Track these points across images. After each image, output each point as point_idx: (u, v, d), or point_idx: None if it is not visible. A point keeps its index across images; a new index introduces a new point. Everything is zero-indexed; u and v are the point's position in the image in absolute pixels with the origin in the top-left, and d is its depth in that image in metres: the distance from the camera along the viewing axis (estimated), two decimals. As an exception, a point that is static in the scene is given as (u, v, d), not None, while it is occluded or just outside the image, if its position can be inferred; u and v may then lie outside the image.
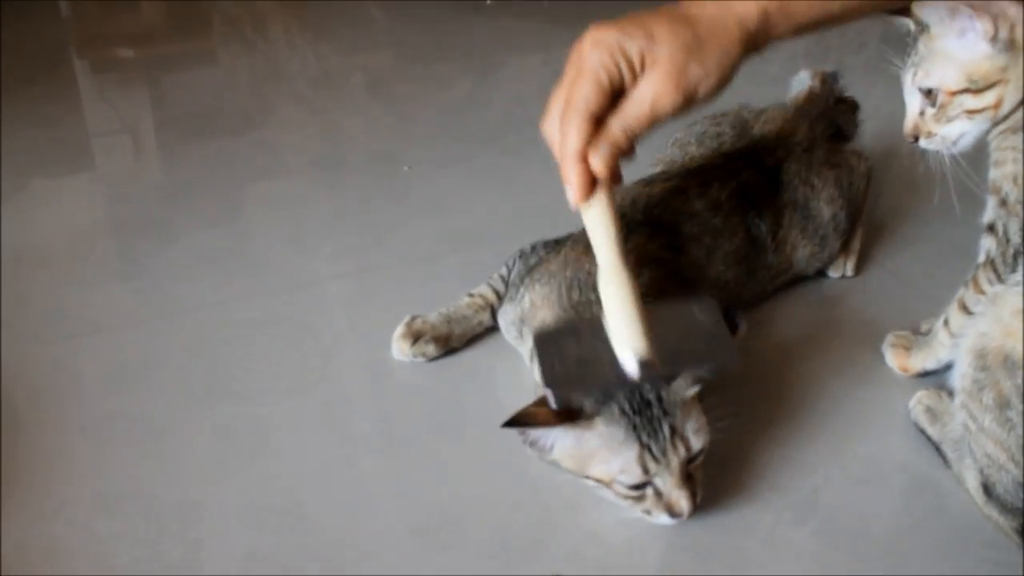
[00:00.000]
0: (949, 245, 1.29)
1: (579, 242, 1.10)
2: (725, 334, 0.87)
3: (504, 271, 1.20)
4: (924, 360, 1.12)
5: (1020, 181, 0.94)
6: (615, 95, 0.81)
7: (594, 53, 0.80)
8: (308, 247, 1.40)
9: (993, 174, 0.97)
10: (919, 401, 1.06)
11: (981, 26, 0.91)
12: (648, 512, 0.90)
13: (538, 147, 1.80)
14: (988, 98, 0.94)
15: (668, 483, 0.88)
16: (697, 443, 0.89)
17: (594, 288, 0.92)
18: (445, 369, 1.14)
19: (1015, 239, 0.95)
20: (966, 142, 0.98)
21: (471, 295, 1.19)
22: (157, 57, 2.33)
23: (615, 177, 0.82)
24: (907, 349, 1.14)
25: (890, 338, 1.17)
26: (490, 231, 1.43)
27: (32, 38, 2.33)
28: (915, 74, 0.97)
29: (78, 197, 1.62)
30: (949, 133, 0.97)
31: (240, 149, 1.75)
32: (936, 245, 1.36)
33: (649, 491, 0.89)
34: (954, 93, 0.95)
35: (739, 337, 0.91)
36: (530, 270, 1.13)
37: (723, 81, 0.82)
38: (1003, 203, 0.96)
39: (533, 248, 1.18)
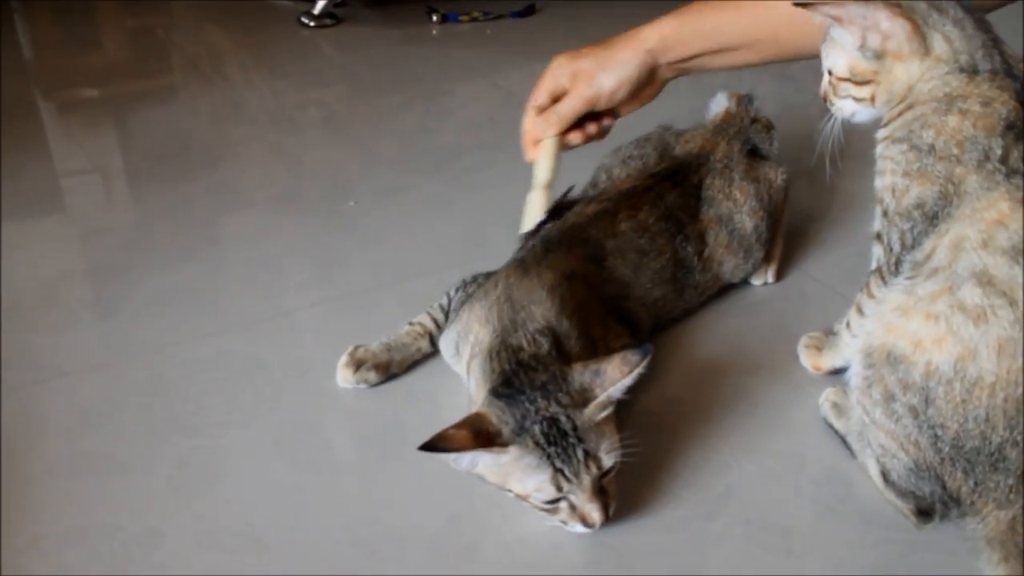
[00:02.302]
0: (868, 248, 1.38)
1: (510, 267, 1.19)
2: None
3: (444, 300, 1.27)
4: (833, 359, 1.20)
5: (896, 192, 1.00)
6: (559, 95, 1.24)
7: (547, 70, 1.25)
8: (261, 284, 1.46)
9: (876, 184, 1.04)
10: (827, 398, 1.14)
11: (849, 36, 0.99)
12: (564, 522, 0.97)
13: (481, 174, 1.90)
14: (864, 92, 1.02)
15: (581, 498, 0.95)
16: (609, 461, 0.96)
17: (521, 308, 1.08)
18: (386, 394, 1.20)
19: (896, 247, 1.01)
20: (859, 119, 1.05)
21: (411, 324, 1.25)
22: (121, 95, 2.37)
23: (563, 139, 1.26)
24: (819, 349, 1.22)
25: (804, 339, 1.25)
26: (430, 261, 1.50)
27: (-4, 82, 2.35)
28: (823, 52, 1.06)
29: (47, 241, 1.66)
30: (843, 107, 1.05)
31: (203, 186, 1.81)
32: (855, 248, 1.41)
33: (564, 504, 0.96)
34: (840, 79, 1.03)
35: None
36: (469, 296, 1.20)
37: (622, 85, 1.23)
38: (885, 213, 1.03)
39: (474, 278, 1.26)
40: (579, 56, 1.23)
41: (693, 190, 1.34)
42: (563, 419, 0.95)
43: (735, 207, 1.33)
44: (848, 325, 1.15)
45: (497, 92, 2.25)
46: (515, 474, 0.95)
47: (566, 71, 1.23)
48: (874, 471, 1.03)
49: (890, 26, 0.98)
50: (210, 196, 1.77)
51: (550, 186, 1.24)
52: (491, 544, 1.00)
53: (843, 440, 1.10)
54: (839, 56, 1.03)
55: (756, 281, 1.40)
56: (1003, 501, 0.93)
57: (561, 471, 0.94)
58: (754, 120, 1.44)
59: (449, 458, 0.95)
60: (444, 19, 2.75)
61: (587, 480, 0.94)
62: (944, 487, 0.96)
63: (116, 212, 1.82)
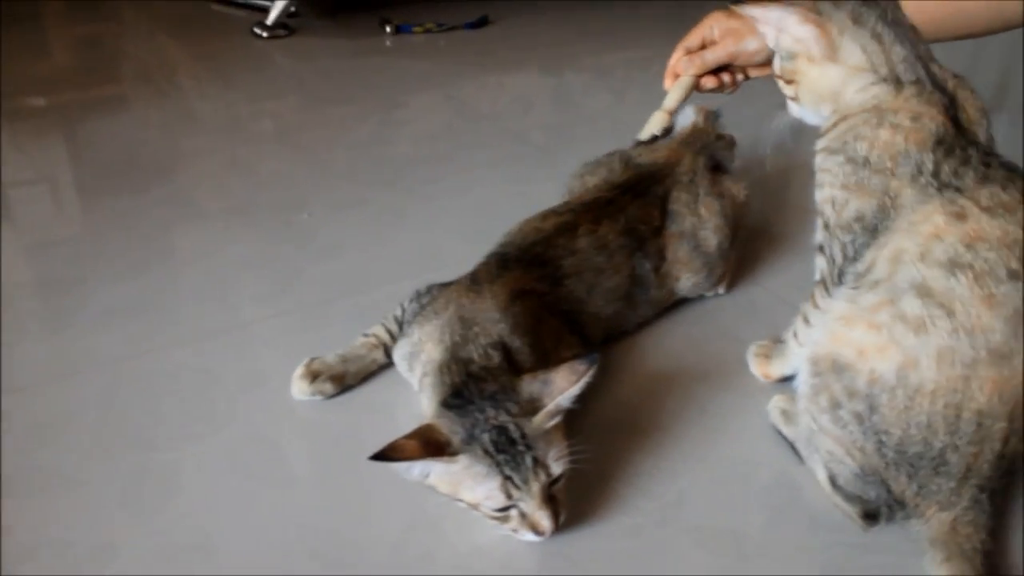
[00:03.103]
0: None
1: (462, 283, 1.19)
2: None
3: (399, 311, 1.27)
4: (781, 367, 1.22)
5: (837, 205, 1.03)
6: (708, 44, 1.43)
7: (704, 21, 1.44)
8: (215, 296, 1.46)
9: (817, 196, 1.07)
10: (775, 404, 1.16)
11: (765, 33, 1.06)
12: (515, 530, 0.98)
13: (435, 185, 1.90)
14: (790, 91, 1.08)
15: (531, 505, 0.96)
16: (557, 468, 0.97)
17: (473, 324, 1.08)
18: (342, 405, 1.20)
19: (838, 259, 1.04)
20: (807, 120, 1.10)
21: (366, 335, 1.26)
22: (70, 104, 2.34)
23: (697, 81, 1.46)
24: (768, 357, 1.24)
25: (753, 347, 1.27)
26: (385, 273, 1.50)
27: (-60, 88, 2.30)
28: None
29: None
30: (790, 106, 1.11)
31: (155, 198, 1.79)
32: (802, 259, 1.42)
33: (514, 512, 0.97)
34: (776, 76, 1.10)
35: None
36: (422, 308, 1.20)
37: (763, 50, 1.37)
38: (826, 226, 1.05)
39: (428, 289, 1.25)
40: (734, 16, 1.43)
41: (657, 201, 1.34)
42: (512, 428, 0.96)
43: (699, 223, 1.34)
44: (795, 334, 1.17)
45: (451, 103, 2.26)
46: (465, 483, 0.96)
47: (720, 26, 1.43)
48: (822, 476, 1.05)
49: (800, 31, 1.03)
50: (162, 208, 1.76)
51: (673, 113, 1.45)
52: (446, 554, 1.00)
53: (792, 446, 1.12)
54: (775, 56, 1.09)
55: (707, 293, 1.42)
56: (945, 503, 0.96)
57: (510, 479, 0.95)
58: (719, 136, 1.47)
59: (400, 468, 0.95)
60: (398, 30, 2.76)
61: (536, 487, 0.96)
62: (889, 491, 0.98)
63: (66, 224, 1.78)
